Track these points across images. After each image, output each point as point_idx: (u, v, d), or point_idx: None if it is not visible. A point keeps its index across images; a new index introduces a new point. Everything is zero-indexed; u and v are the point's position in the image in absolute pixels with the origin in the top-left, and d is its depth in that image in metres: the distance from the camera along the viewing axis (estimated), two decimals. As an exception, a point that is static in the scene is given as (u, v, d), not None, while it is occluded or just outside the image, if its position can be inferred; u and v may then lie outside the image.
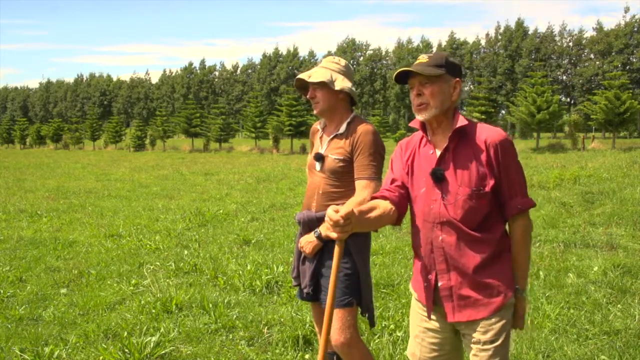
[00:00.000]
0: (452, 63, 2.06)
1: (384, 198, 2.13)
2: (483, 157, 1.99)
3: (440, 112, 2.04)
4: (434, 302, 2.11)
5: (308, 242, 2.68)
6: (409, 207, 2.18)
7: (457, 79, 2.07)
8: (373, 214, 2.03)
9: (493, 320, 1.99)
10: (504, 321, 1.99)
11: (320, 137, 2.82)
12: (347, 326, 2.57)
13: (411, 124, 2.16)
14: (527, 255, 2.06)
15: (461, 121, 2.04)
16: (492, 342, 1.98)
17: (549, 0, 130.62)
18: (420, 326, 2.19)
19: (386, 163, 2.32)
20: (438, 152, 2.07)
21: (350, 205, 2.53)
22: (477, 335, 2.00)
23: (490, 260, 2.01)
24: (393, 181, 2.18)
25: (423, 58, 2.07)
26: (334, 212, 1.89)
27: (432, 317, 2.14)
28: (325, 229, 2.58)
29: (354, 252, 2.63)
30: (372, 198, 2.18)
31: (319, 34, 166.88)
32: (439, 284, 2.06)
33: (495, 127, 2.07)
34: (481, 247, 2.01)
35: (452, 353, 2.16)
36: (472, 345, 2.01)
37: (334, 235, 1.92)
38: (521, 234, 2.04)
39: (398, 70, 2.05)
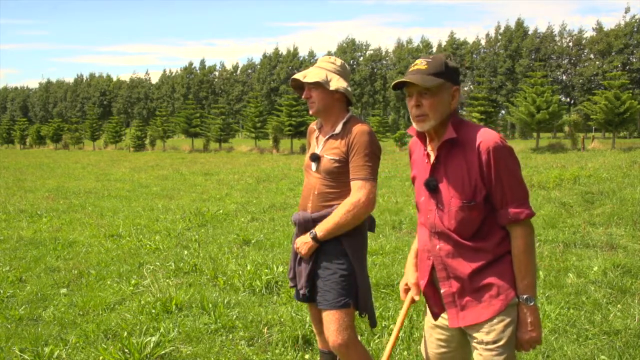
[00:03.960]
0: (451, 69, 2.00)
1: None
2: (475, 165, 1.95)
3: (439, 123, 2.01)
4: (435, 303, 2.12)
5: (304, 243, 2.66)
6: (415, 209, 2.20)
7: (456, 86, 2.02)
8: None
9: (496, 321, 1.99)
10: (506, 320, 1.99)
11: (317, 138, 2.80)
12: (344, 327, 2.57)
13: (409, 131, 2.14)
14: (532, 263, 1.98)
15: (449, 132, 1.99)
16: (495, 342, 1.98)
17: (549, 0, 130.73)
18: (429, 322, 2.22)
19: (382, 163, 2.32)
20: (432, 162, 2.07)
21: (344, 206, 2.53)
22: (480, 336, 2.01)
23: (488, 265, 2.00)
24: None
25: (421, 64, 1.99)
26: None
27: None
28: (319, 231, 2.59)
29: (349, 253, 2.62)
30: None
31: (319, 34, 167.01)
32: (442, 291, 2.07)
33: (492, 131, 1.99)
34: (478, 255, 2.00)
35: (459, 350, 2.17)
36: (476, 346, 2.03)
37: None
38: (521, 244, 1.97)
39: (396, 81, 2.00)
